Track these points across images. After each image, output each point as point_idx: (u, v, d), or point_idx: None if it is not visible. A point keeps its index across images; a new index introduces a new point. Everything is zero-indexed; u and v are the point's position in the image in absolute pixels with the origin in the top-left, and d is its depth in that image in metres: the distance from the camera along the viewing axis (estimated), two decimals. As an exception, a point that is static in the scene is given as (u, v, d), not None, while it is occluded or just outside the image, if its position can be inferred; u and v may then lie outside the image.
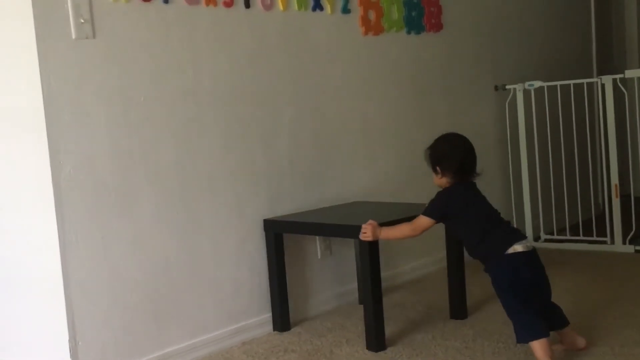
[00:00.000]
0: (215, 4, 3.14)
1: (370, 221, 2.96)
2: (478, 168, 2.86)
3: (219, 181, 3.17)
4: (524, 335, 2.66)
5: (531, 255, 2.74)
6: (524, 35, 5.01)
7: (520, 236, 2.76)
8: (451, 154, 2.82)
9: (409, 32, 4.10)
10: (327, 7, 3.62)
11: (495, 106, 4.75)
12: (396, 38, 4.03)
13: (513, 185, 4.75)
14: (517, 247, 2.70)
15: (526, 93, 4.70)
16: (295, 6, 3.48)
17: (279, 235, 3.30)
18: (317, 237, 3.59)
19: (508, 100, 4.73)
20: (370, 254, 2.98)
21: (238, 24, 3.24)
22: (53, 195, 2.64)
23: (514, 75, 4.83)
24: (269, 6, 3.36)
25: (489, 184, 4.69)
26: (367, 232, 2.95)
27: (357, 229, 3.02)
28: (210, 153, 3.14)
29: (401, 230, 2.92)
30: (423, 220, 2.84)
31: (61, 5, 2.65)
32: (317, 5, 3.58)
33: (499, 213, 2.85)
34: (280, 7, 3.41)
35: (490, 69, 4.73)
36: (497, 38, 4.78)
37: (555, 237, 4.75)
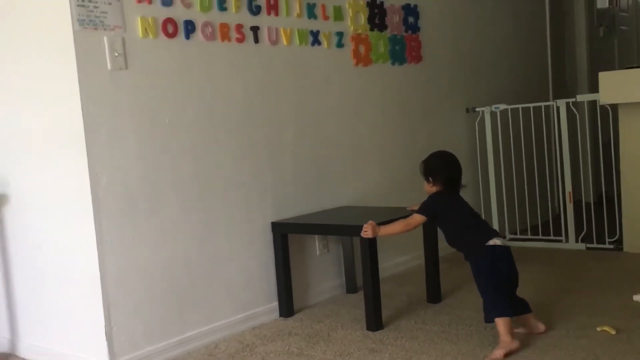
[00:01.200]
0: (230, 40, 3.15)
1: (370, 221, 2.98)
2: (463, 180, 2.95)
3: (232, 190, 3.17)
4: (492, 313, 2.69)
5: (507, 250, 2.80)
6: (491, 65, 5.03)
7: (498, 234, 2.84)
8: (441, 168, 2.90)
9: (393, 64, 4.10)
10: (324, 42, 3.63)
11: (466, 125, 4.76)
12: (382, 69, 4.03)
13: (482, 192, 4.75)
14: (496, 241, 2.76)
15: (493, 114, 4.70)
16: (297, 41, 3.48)
17: (285, 235, 3.30)
18: (316, 236, 3.58)
19: (477, 121, 4.73)
20: (369, 247, 3.00)
21: (249, 57, 3.25)
22: (91, 202, 2.64)
23: (483, 99, 4.83)
24: (275, 41, 3.36)
25: (462, 191, 4.71)
26: (367, 231, 2.96)
27: (349, 229, 3.06)
28: (224, 166, 3.14)
29: (396, 227, 2.95)
30: (417, 217, 2.89)
31: (98, 41, 2.65)
32: (316, 41, 3.59)
33: (480, 215, 2.95)
34: (285, 42, 3.41)
35: (462, 93, 4.73)
36: (469, 67, 4.79)
37: (518, 236, 4.75)
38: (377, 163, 4.02)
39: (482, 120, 4.72)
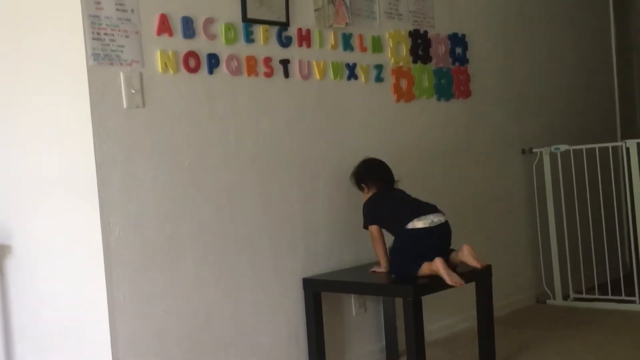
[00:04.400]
0: (257, 74, 3.20)
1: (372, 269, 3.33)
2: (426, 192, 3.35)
3: (258, 241, 3.19)
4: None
5: (433, 230, 3.15)
6: (550, 101, 5.01)
7: (428, 211, 3.20)
8: (367, 170, 3.35)
9: (438, 99, 4.13)
10: (362, 77, 3.67)
11: (522, 169, 4.73)
12: (427, 105, 4.05)
13: (542, 245, 4.69)
14: (417, 224, 3.13)
15: (553, 156, 4.67)
16: (331, 76, 3.53)
17: (317, 293, 3.30)
18: (352, 295, 3.57)
19: (535, 163, 4.70)
20: (414, 307, 3.00)
21: (278, 93, 3.30)
22: (103, 254, 2.67)
23: (541, 138, 4.81)
24: (306, 76, 3.41)
25: (516, 244, 4.67)
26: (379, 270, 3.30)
27: (391, 288, 3.12)
28: (250, 214, 3.16)
29: (378, 254, 3.30)
30: (371, 230, 3.28)
31: (114, 77, 2.72)
32: (352, 75, 3.63)
33: (409, 195, 3.30)
34: (317, 76, 3.46)
35: (517, 133, 4.72)
36: (524, 103, 4.78)
37: (584, 296, 4.65)
38: (421, 211, 4.00)
39: (541, 162, 4.69)
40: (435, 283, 3.11)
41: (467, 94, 4.31)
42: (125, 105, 2.75)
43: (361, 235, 3.65)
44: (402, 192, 3.35)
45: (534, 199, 4.71)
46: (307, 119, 3.43)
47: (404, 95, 3.91)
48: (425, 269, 3.08)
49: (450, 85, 4.20)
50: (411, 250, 3.15)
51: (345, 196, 3.58)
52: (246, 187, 3.15)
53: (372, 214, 3.27)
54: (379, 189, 3.31)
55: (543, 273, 4.66)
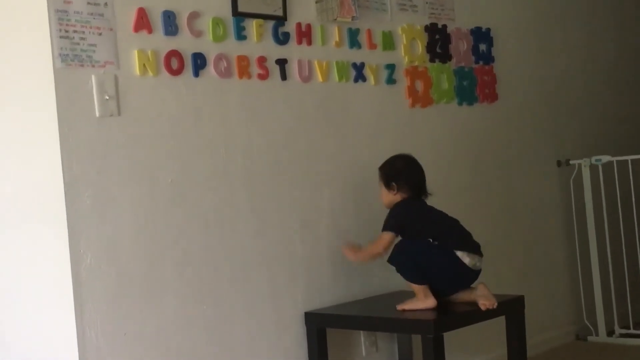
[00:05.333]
0: (249, 77, 3.22)
1: (345, 247, 3.35)
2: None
3: (252, 269, 3.19)
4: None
5: (473, 274, 3.20)
6: (590, 105, 5.02)
7: (475, 249, 3.20)
8: (409, 170, 3.29)
9: (460, 104, 4.14)
10: (371, 78, 3.69)
11: (558, 183, 4.73)
12: (446, 110, 4.06)
13: (581, 272, 4.69)
14: (465, 257, 3.16)
15: (593, 169, 4.67)
16: (336, 77, 3.54)
17: (322, 330, 3.29)
18: (362, 332, 3.56)
19: (573, 177, 4.70)
20: (434, 346, 2.99)
21: (274, 98, 3.31)
22: (72, 287, 2.67)
23: (580, 149, 4.82)
24: (307, 78, 3.43)
25: (552, 271, 4.66)
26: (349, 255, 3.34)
27: (407, 323, 3.10)
28: (243, 238, 3.16)
29: (367, 253, 3.31)
30: (385, 237, 3.22)
31: (85, 81, 2.73)
32: (360, 76, 3.64)
33: (458, 221, 3.29)
34: (320, 78, 3.48)
35: (552, 142, 4.73)
36: (559, 108, 4.79)
37: (632, 331, 4.64)
38: (442, 234, 4.00)
39: (579, 176, 4.70)
40: (460, 317, 3.11)
41: (492, 97, 4.32)
42: (97, 114, 2.76)
43: (370, 263, 3.64)
44: (439, 211, 3.33)
45: (572, 219, 4.70)
46: (308, 127, 3.44)
47: (419, 99, 3.92)
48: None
49: (473, 87, 4.21)
50: (437, 273, 3.19)
51: (353, 217, 3.58)
52: (238, 208, 3.16)
53: (399, 222, 3.23)
54: (410, 196, 3.28)
55: (584, 304, 4.65)
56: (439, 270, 3.18)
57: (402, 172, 3.29)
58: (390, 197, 3.28)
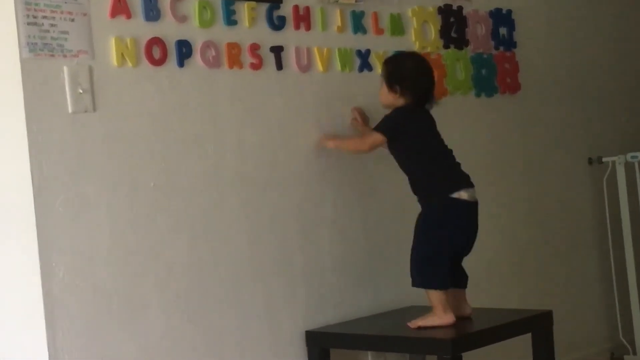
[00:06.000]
0: (241, 66, 3.21)
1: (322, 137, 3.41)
2: None
3: (246, 283, 3.18)
4: (422, 281, 3.18)
5: (474, 207, 3.24)
6: (625, 97, 5.02)
7: (469, 182, 3.24)
8: (418, 75, 3.28)
9: (478, 95, 4.14)
10: (377, 67, 3.67)
11: (590, 182, 4.73)
12: (462, 102, 4.06)
13: (616, 284, 4.68)
14: (463, 194, 3.19)
15: (629, 166, 4.67)
16: (338, 66, 3.54)
17: (325, 350, 3.29)
18: (370, 352, 3.55)
19: (606, 176, 4.70)
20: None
21: (268, 89, 3.31)
22: (43, 306, 2.65)
23: (613, 145, 4.82)
24: (305, 67, 3.42)
25: (584, 282, 4.65)
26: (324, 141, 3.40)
27: (421, 343, 3.11)
28: (235, 249, 3.16)
29: (348, 143, 3.40)
30: (375, 136, 3.26)
31: (56, 73, 2.73)
32: (365, 65, 3.64)
33: (452, 151, 3.31)
34: (320, 67, 3.47)
35: (582, 137, 4.73)
36: (590, 99, 4.79)
37: (674, 347, 4.64)
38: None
39: (613, 175, 4.69)
40: (482, 335, 3.10)
41: (515, 87, 4.32)
42: (70, 109, 2.75)
43: (380, 275, 3.64)
44: (437, 132, 3.33)
45: (605, 222, 4.70)
46: (307, 123, 3.44)
47: (433, 90, 3.92)
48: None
49: (492, 76, 4.20)
50: (449, 244, 3.22)
51: (360, 222, 3.57)
52: (229, 214, 3.15)
53: (394, 127, 3.24)
54: (414, 103, 3.26)
55: (619, 320, 4.64)
56: (459, 229, 3.23)
57: (409, 76, 3.27)
58: (390, 99, 3.29)
